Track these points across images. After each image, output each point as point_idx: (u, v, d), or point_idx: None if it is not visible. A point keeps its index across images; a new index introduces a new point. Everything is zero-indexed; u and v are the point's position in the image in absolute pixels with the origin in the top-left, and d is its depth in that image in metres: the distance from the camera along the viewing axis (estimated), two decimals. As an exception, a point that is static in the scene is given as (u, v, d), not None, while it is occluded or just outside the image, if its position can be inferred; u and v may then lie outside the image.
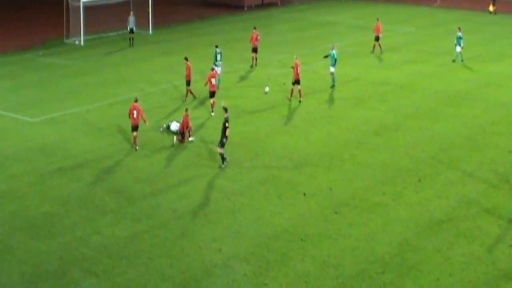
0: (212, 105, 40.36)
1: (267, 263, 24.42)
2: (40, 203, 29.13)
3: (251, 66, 52.42)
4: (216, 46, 47.01)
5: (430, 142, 36.31)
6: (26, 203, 29.17)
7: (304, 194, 29.95)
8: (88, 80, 49.01)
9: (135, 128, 35.11)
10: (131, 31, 60.69)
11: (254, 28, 54.06)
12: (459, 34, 53.11)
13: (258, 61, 52.60)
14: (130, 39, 60.90)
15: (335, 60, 45.55)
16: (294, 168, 32.92)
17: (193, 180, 31.50)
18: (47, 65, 53.89)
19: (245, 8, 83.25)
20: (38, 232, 26.64)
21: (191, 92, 42.76)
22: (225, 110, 32.98)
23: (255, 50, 52.44)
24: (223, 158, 32.64)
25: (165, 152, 34.84)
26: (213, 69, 41.65)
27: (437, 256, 24.87)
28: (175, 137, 35.95)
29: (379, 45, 57.34)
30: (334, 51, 45.52)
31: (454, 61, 53.57)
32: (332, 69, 45.92)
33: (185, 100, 42.47)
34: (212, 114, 40.09)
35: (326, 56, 47.11)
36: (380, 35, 57.09)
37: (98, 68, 52.97)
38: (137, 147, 35.10)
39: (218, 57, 46.37)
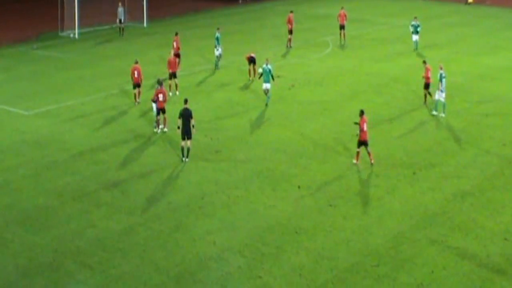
0: (173, 86, 43.01)
1: (261, 256, 24.45)
2: (34, 196, 29.12)
3: (287, 47, 56.26)
4: (217, 29, 49.73)
5: (424, 134, 36.36)
6: (20, 196, 29.15)
7: (299, 186, 29.97)
8: (83, 73, 48.95)
9: (136, 85, 40.54)
10: (120, 21, 62.12)
11: (291, 11, 57.86)
12: (417, 23, 54.96)
13: (292, 42, 56.55)
14: (120, 29, 62.18)
15: (270, 76, 40.44)
16: (288, 160, 32.93)
17: (188, 173, 31.50)
18: (41, 58, 53.80)
19: (239, 1, 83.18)
20: (32, 224, 26.64)
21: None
22: (185, 101, 33.19)
23: (290, 32, 56.22)
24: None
25: (160, 145, 34.82)
26: (170, 52, 44.40)
27: (432, 249, 24.91)
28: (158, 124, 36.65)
29: (343, 34, 58.13)
30: (268, 66, 40.53)
31: (415, 49, 54.91)
32: (266, 86, 40.56)
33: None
34: (177, 93, 42.58)
35: (260, 76, 41.46)
36: (345, 23, 58.07)
37: (93, 61, 52.89)
38: (138, 102, 40.67)
39: (216, 41, 48.87)
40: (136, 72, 40.46)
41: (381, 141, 35.25)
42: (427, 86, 40.53)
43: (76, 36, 61.04)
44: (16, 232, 26.07)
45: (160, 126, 36.22)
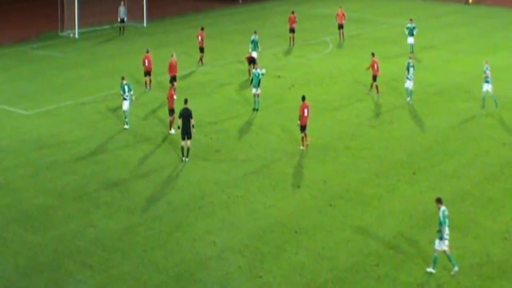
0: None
1: (261, 256, 24.47)
2: (34, 196, 29.13)
3: (289, 46, 57.05)
4: (255, 32, 49.54)
5: (424, 134, 36.37)
6: (20, 196, 29.16)
7: (299, 186, 29.99)
8: (83, 73, 48.93)
9: (147, 73, 43.53)
10: (122, 21, 62.20)
11: (292, 12, 58.46)
12: (413, 25, 54.25)
13: (295, 41, 57.31)
14: (120, 28, 62.35)
15: (259, 81, 39.72)
16: (288, 160, 32.94)
17: (188, 172, 31.52)
18: (41, 58, 53.78)
19: (240, 1, 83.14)
20: (32, 224, 26.65)
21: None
22: (185, 101, 33.14)
23: (292, 30, 57.22)
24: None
25: (160, 145, 34.83)
26: (172, 55, 44.14)
27: (431, 248, 24.84)
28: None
29: (342, 33, 58.66)
30: (259, 71, 39.99)
31: (411, 52, 53.60)
32: (256, 91, 39.96)
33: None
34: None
35: (252, 81, 41.34)
36: (343, 23, 58.59)
37: (93, 60, 52.87)
38: (148, 88, 43.52)
39: (251, 44, 48.96)
40: (147, 61, 43.50)
41: (381, 141, 35.27)
42: (374, 78, 42.46)
43: (76, 35, 61.01)
44: (16, 232, 26.09)
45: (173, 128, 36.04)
